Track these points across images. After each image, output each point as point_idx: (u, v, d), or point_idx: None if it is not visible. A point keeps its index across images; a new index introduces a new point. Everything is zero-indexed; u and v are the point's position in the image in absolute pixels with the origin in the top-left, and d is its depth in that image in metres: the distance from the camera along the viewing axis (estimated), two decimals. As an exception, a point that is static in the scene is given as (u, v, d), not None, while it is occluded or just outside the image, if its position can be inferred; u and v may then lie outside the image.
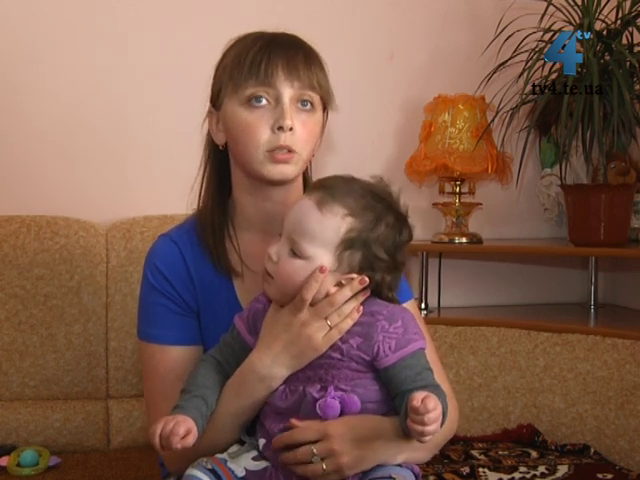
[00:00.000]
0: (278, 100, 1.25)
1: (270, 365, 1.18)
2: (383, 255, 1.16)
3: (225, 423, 1.22)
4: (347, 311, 1.16)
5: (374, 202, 1.17)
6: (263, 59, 1.24)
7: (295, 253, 1.15)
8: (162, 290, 1.32)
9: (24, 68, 2.11)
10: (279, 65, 1.24)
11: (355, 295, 1.17)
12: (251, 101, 1.25)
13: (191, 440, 1.11)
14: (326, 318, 1.16)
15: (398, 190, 1.21)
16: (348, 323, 1.16)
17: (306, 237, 1.14)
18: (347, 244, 1.14)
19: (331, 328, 1.16)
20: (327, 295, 1.16)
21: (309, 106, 1.27)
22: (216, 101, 1.31)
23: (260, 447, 1.19)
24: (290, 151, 1.25)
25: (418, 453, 1.23)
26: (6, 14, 2.09)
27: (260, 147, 1.25)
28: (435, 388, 1.13)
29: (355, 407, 1.16)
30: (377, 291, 1.20)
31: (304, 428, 1.15)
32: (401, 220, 1.19)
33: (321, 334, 1.16)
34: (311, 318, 1.16)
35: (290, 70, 1.25)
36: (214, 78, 1.33)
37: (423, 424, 1.05)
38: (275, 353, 1.18)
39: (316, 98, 1.28)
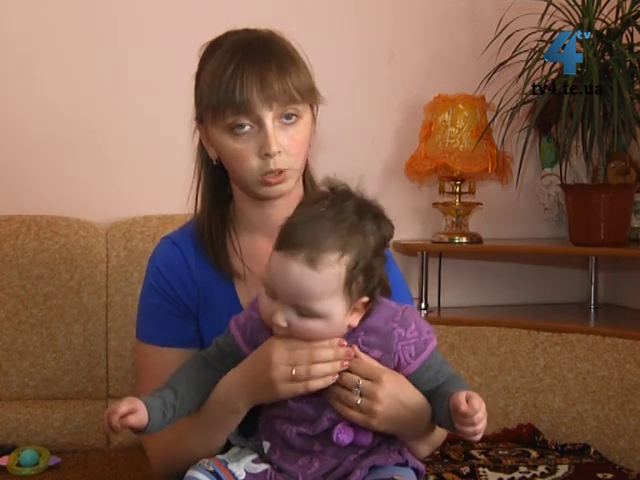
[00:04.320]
0: (260, 123, 1.23)
1: (230, 390, 1.18)
2: (378, 260, 1.12)
3: (197, 432, 1.21)
4: (318, 373, 1.11)
5: (349, 219, 1.09)
6: (237, 85, 1.21)
7: (305, 315, 1.09)
8: (161, 291, 1.32)
9: (23, 68, 2.11)
10: (254, 89, 1.21)
11: (333, 363, 1.12)
12: (234, 129, 1.23)
13: (132, 420, 1.07)
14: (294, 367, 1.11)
15: (357, 183, 1.13)
16: (319, 384, 1.12)
17: (311, 299, 1.07)
18: (351, 279, 1.09)
19: (295, 379, 1.11)
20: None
21: (293, 118, 1.25)
22: (201, 121, 1.30)
23: (265, 450, 1.18)
24: (282, 171, 1.24)
25: (423, 446, 1.24)
26: (4, 14, 2.09)
27: (252, 173, 1.24)
28: (454, 379, 1.17)
29: (366, 440, 1.16)
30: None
31: (362, 361, 1.13)
32: (378, 218, 1.12)
33: (284, 381, 1.12)
34: (281, 359, 1.12)
35: (266, 92, 1.21)
36: (195, 94, 1.31)
37: (474, 425, 1.07)
38: (239, 380, 1.17)
39: (299, 107, 1.25)
